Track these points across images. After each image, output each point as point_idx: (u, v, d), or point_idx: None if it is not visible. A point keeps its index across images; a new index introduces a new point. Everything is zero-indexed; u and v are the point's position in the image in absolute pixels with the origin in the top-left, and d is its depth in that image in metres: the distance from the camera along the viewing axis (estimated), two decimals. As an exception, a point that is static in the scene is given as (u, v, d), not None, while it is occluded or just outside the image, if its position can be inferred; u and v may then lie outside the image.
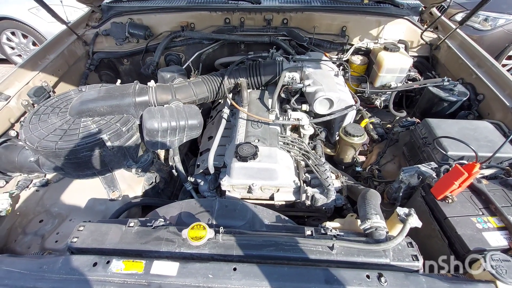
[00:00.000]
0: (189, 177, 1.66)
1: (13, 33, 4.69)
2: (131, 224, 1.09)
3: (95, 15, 2.28)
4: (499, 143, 1.38)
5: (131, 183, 1.73)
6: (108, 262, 0.94)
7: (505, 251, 1.01)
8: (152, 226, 1.09)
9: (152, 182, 1.78)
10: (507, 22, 3.97)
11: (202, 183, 1.63)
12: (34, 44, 4.75)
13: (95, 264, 0.94)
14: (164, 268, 0.92)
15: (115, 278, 0.90)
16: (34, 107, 1.70)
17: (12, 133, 1.63)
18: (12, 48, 4.87)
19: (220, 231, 1.02)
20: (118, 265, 0.93)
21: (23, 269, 0.95)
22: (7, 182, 1.60)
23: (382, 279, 0.89)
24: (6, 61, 5.06)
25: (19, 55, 4.94)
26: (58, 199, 1.65)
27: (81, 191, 1.67)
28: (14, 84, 1.65)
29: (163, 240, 1.02)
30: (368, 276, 0.90)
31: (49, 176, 1.72)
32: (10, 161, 1.51)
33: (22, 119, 1.62)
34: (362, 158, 1.93)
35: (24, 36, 4.69)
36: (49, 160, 1.48)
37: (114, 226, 1.09)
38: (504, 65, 4.20)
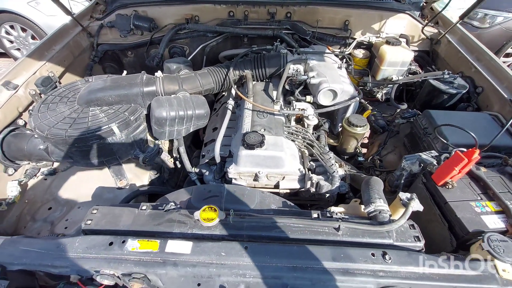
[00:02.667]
0: (193, 168, 1.69)
1: (12, 27, 4.65)
2: (144, 207, 1.12)
3: (99, 7, 2.29)
4: (495, 132, 1.43)
5: (138, 173, 1.76)
6: (123, 241, 0.97)
7: (502, 233, 1.06)
8: (164, 209, 1.12)
9: (158, 172, 1.82)
10: (505, 19, 4.02)
11: (207, 173, 1.66)
12: (33, 37, 4.71)
13: (111, 244, 0.97)
14: (178, 246, 0.96)
15: (131, 256, 0.94)
16: (41, 96, 1.71)
17: (20, 122, 1.64)
18: (11, 41, 4.82)
19: (231, 213, 1.06)
20: (133, 244, 0.96)
21: (41, 248, 0.98)
22: (15, 171, 1.63)
23: (387, 256, 0.94)
24: (4, 55, 5.02)
25: (18, 49, 4.90)
26: (66, 187, 1.68)
27: (88, 180, 1.70)
28: (22, 73, 1.67)
29: (176, 222, 1.06)
30: (373, 254, 0.95)
31: (57, 165, 1.75)
32: (19, 149, 1.54)
33: (30, 108, 1.64)
34: (364, 151, 1.97)
35: (23, 30, 4.65)
36: (58, 148, 1.50)
37: (127, 209, 1.12)
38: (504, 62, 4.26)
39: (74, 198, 1.64)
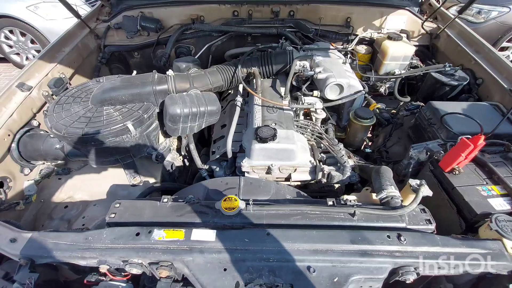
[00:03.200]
0: (203, 165, 1.73)
1: (11, 31, 4.65)
2: (165, 200, 1.16)
3: (104, 9, 2.32)
4: (497, 122, 1.50)
5: (150, 170, 1.80)
6: (150, 231, 1.01)
7: (509, 214, 1.12)
8: (184, 201, 1.17)
9: (169, 169, 1.86)
10: (499, 14, 4.10)
11: (217, 169, 1.70)
12: (32, 42, 4.72)
13: (137, 234, 1.01)
14: (203, 235, 1.00)
15: (159, 245, 0.98)
16: (53, 97, 1.75)
17: (35, 123, 1.67)
18: (10, 46, 4.82)
19: (250, 202, 1.10)
20: (160, 234, 1.00)
21: (70, 241, 1.01)
22: (31, 170, 1.66)
23: (402, 238, 0.99)
24: (4, 60, 5.01)
25: (17, 54, 4.90)
26: (80, 186, 1.71)
27: (102, 179, 1.73)
28: (34, 75, 1.70)
29: (197, 212, 1.10)
30: (388, 236, 1.00)
31: (71, 164, 1.78)
32: (35, 149, 1.57)
33: (44, 108, 1.67)
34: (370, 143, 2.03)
35: (22, 34, 4.65)
36: (74, 147, 1.53)
37: (149, 202, 1.16)
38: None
39: (89, 196, 1.68)
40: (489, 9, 4.23)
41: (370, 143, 1.97)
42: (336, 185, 1.55)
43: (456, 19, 2.04)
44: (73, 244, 1.00)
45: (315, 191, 1.60)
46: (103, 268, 0.99)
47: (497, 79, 1.68)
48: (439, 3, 2.24)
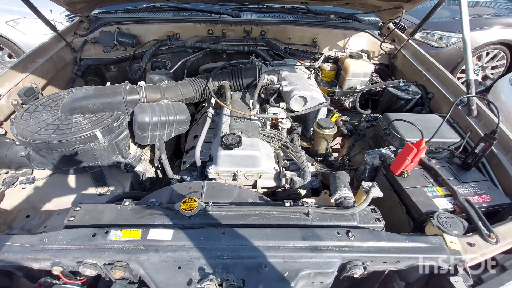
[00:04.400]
0: (175, 175, 1.76)
1: (-13, 46, 4.62)
2: (126, 203, 1.18)
3: (83, 25, 2.39)
4: (444, 130, 1.65)
5: (119, 179, 1.79)
6: (106, 232, 1.02)
7: (451, 212, 1.22)
8: (146, 204, 1.19)
9: (140, 179, 1.86)
10: (458, 40, 4.50)
11: (188, 179, 1.73)
12: (10, 56, 4.69)
13: (94, 235, 1.02)
14: (160, 234, 1.02)
15: (114, 245, 0.99)
16: (23, 106, 1.75)
17: (0, 131, 1.66)
18: (-14, 60, 4.76)
19: (210, 204, 1.14)
20: (116, 234, 1.02)
21: (24, 243, 1.00)
22: (-7, 179, 1.62)
23: (350, 234, 1.05)
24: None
25: (-6, 67, 4.84)
26: (45, 195, 1.68)
27: (68, 188, 1.71)
28: (4, 84, 1.71)
29: (157, 214, 1.12)
30: (338, 233, 1.06)
31: (36, 173, 1.75)
32: (-1, 156, 1.55)
33: (12, 117, 1.67)
34: (335, 155, 2.14)
35: (0, 49, 4.63)
36: (40, 154, 1.53)
37: (110, 206, 1.17)
38: (459, 78, 4.72)
39: (54, 206, 1.64)
40: (449, 35, 4.62)
41: (335, 154, 2.08)
42: (302, 192, 1.61)
43: (410, 41, 2.26)
44: (26, 246, 0.99)
45: (281, 199, 1.65)
46: (56, 270, 0.98)
47: (445, 94, 1.85)
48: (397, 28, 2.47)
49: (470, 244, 1.08)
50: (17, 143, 1.57)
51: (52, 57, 2.05)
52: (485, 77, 4.95)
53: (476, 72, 4.85)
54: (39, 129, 1.49)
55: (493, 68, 4.87)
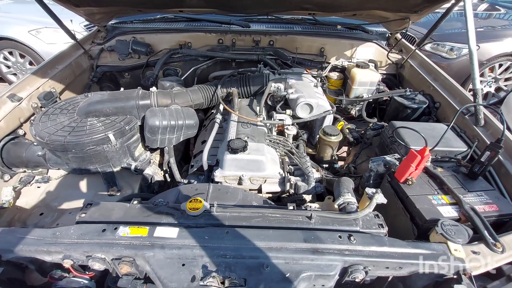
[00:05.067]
0: (183, 179, 1.81)
1: (10, 53, 4.88)
2: (135, 202, 1.22)
3: (100, 34, 2.52)
4: (451, 139, 1.64)
5: (129, 181, 1.85)
6: (115, 228, 1.07)
7: (456, 220, 1.21)
8: (153, 204, 1.23)
9: (148, 181, 1.92)
10: (470, 51, 4.47)
11: (195, 183, 1.77)
12: (30, 63, 4.93)
13: (103, 230, 1.06)
14: (166, 232, 1.06)
15: (122, 241, 1.03)
16: (42, 109, 1.85)
17: (20, 131, 1.76)
18: (8, 67, 5.02)
19: (215, 205, 1.17)
20: (124, 230, 1.06)
21: (37, 236, 1.06)
22: (11, 177, 1.70)
23: (352, 238, 1.06)
24: (0, 79, 5.19)
25: (14, 74, 5.09)
26: (58, 194, 1.75)
27: (81, 188, 1.78)
28: (26, 88, 1.82)
29: (164, 213, 1.16)
30: (340, 236, 1.07)
31: (51, 173, 1.83)
32: (18, 156, 1.63)
33: (32, 118, 1.76)
34: (341, 163, 2.15)
35: (22, 56, 4.88)
36: (55, 154, 1.61)
37: (119, 204, 1.22)
38: (470, 90, 4.66)
39: (66, 204, 1.71)
40: (460, 47, 4.59)
41: (341, 162, 2.09)
42: (307, 198, 1.62)
43: (417, 51, 2.28)
44: (40, 239, 1.04)
45: (286, 204, 1.66)
46: (67, 263, 1.03)
47: (451, 103, 1.85)
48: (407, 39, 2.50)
49: (474, 253, 1.07)
50: (35, 143, 1.66)
51: (71, 64, 2.17)
52: (498, 89, 4.87)
53: (489, 83, 4.79)
54: (56, 131, 1.57)
55: (506, 80, 4.80)
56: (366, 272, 1.02)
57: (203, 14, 2.54)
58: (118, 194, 1.77)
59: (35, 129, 1.58)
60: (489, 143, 1.42)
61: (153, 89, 1.80)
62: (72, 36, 2.20)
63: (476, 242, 1.11)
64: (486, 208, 1.29)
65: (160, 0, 2.00)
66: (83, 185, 1.80)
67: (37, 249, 1.02)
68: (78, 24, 4.77)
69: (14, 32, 4.64)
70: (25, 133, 1.79)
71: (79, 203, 1.71)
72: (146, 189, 1.90)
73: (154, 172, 1.96)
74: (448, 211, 1.26)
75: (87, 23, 4.52)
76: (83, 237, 1.04)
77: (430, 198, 1.31)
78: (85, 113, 1.68)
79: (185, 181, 1.78)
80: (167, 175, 2.05)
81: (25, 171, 1.76)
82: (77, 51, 2.30)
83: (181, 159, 2.39)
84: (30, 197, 1.74)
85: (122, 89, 1.97)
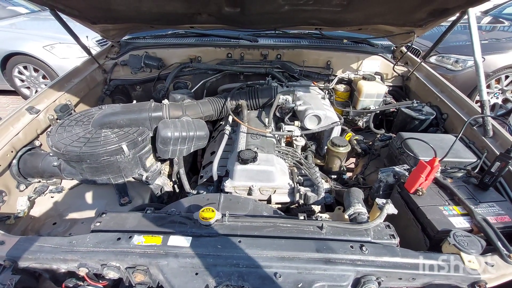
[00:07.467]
0: (192, 190, 1.83)
1: (25, 67, 5.05)
2: (148, 211, 1.25)
3: (114, 49, 2.63)
4: (460, 150, 1.65)
5: (140, 191, 1.89)
6: (130, 237, 1.09)
7: (468, 231, 1.20)
8: (166, 213, 1.25)
9: (158, 192, 1.95)
10: (475, 63, 4.50)
11: (204, 193, 1.80)
12: (44, 77, 5.09)
13: (119, 239, 1.08)
14: (179, 241, 1.08)
15: (137, 249, 1.05)
16: (58, 121, 1.91)
17: (37, 143, 1.82)
18: (22, 80, 5.19)
19: (226, 214, 1.19)
20: (139, 239, 1.08)
21: (54, 244, 1.08)
22: (26, 187, 1.75)
23: (364, 248, 1.06)
24: (14, 92, 5.35)
25: (28, 87, 5.25)
26: (71, 204, 1.79)
27: (93, 198, 1.82)
28: (43, 101, 1.89)
29: (177, 223, 1.18)
30: (352, 247, 1.07)
31: (65, 183, 1.87)
32: (34, 166, 1.68)
33: (48, 130, 1.82)
34: (349, 174, 2.15)
35: (36, 70, 5.04)
36: (70, 165, 1.65)
37: (133, 213, 1.25)
38: (477, 101, 4.65)
39: (78, 214, 1.74)
40: (465, 59, 4.61)
41: (349, 174, 2.09)
42: (316, 209, 1.63)
43: (423, 63, 2.32)
44: (57, 247, 1.07)
45: (295, 215, 1.67)
46: (82, 271, 1.05)
47: (459, 114, 1.87)
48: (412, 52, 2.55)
49: (489, 264, 1.06)
50: (51, 154, 1.71)
51: (86, 78, 2.26)
52: (505, 100, 4.85)
53: (496, 95, 4.78)
54: (71, 142, 1.62)
55: (513, 91, 4.79)
56: (379, 283, 1.02)
57: (213, 30, 2.63)
58: (130, 204, 1.80)
59: (51, 140, 1.63)
60: (498, 153, 1.42)
61: (165, 101, 1.85)
62: (88, 51, 2.30)
63: (490, 254, 1.10)
64: (498, 219, 1.28)
65: (173, 17, 2.08)
66: (94, 195, 1.84)
67: (54, 257, 1.05)
68: (91, 39, 4.95)
69: (29, 47, 4.82)
70: (41, 144, 1.84)
71: (91, 213, 1.74)
72: (156, 199, 1.93)
73: (164, 183, 1.99)
74: (460, 222, 1.25)
75: (99, 38, 4.69)
76: (98, 245, 1.06)
77: (441, 208, 1.31)
78: (99, 125, 1.73)
79: (194, 191, 1.81)
80: (176, 185, 2.08)
81: (39, 181, 1.81)
82: (91, 66, 2.39)
83: (189, 170, 2.42)
84: (44, 207, 1.78)
85: (134, 101, 2.03)
